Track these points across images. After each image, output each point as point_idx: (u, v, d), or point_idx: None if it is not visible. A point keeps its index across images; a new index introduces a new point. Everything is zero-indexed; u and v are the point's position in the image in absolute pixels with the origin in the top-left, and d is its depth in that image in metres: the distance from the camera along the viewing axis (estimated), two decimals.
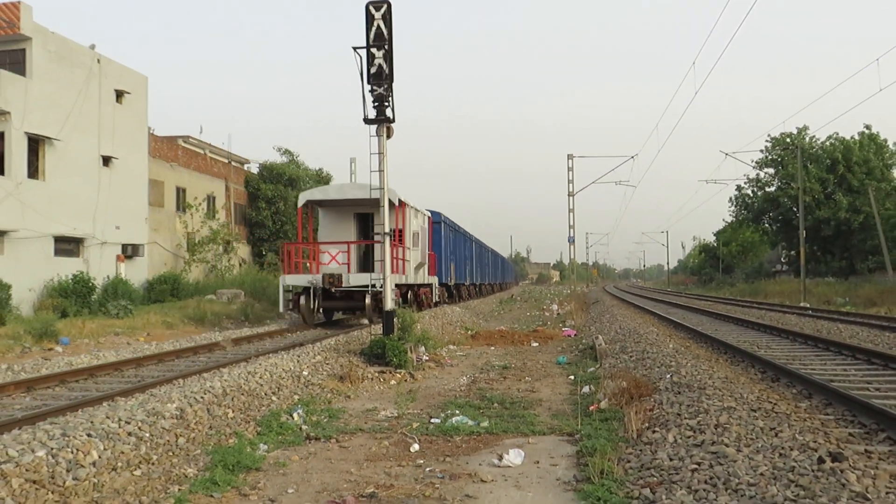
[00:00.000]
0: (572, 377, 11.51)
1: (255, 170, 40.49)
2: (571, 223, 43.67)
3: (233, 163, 38.63)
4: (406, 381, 11.56)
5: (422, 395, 10.18)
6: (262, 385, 9.52)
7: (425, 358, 13.41)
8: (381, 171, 13.30)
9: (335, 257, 19.79)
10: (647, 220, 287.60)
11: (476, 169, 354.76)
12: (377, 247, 18.82)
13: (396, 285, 19.10)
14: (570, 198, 43.29)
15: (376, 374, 11.72)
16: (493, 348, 16.25)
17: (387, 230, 13.39)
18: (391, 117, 13.10)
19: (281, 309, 19.13)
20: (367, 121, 12.88)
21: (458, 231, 31.94)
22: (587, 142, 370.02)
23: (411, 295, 21.32)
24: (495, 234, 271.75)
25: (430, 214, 24.83)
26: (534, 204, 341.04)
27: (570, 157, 42.99)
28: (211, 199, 34.23)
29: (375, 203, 19.22)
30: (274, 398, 9.25)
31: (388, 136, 12.98)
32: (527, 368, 12.80)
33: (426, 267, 23.34)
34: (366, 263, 20.67)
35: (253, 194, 37.82)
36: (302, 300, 18.63)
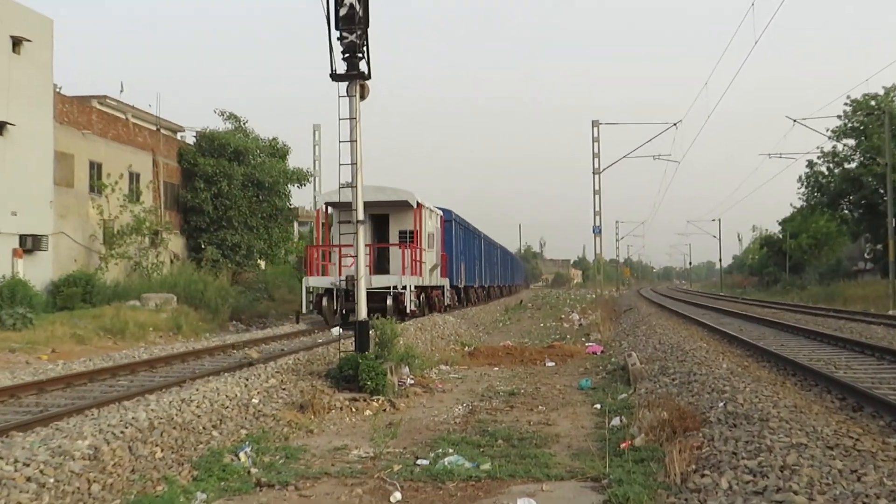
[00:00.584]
0: (598, 406, 11.61)
1: (191, 140, 40.43)
2: (597, 208, 43.70)
3: (163, 131, 38.54)
4: (385, 410, 11.64)
5: (405, 428, 10.25)
6: (199, 416, 9.57)
7: (410, 381, 13.52)
8: (353, 140, 13.30)
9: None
10: (694, 205, 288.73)
11: (477, 148, 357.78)
12: (392, 249, 25.42)
13: (415, 287, 24.74)
14: (596, 176, 43.35)
15: (347, 403, 11.74)
16: (496, 369, 16.54)
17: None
18: (366, 72, 13.40)
19: (303, 310, 24.33)
20: (335, 77, 12.95)
21: (468, 229, 37.24)
22: (616, 108, 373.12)
23: (423, 297, 26.25)
24: (500, 224, 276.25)
25: (441, 213, 30.15)
26: (550, 187, 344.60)
27: (595, 124, 43.03)
28: (134, 178, 34.14)
29: (392, 205, 25.44)
30: (215, 433, 9.30)
31: (363, 97, 13.24)
32: (540, 395, 12.89)
33: (439, 268, 28.72)
34: (381, 265, 25.67)
35: (188, 171, 37.77)
36: (324, 301, 23.79)
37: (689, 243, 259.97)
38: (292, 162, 43.58)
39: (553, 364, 17.10)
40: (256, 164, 39.15)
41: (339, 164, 13.68)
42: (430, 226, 28.13)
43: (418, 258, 25.83)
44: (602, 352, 19.22)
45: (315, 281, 24.22)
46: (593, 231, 43.47)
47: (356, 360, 12.63)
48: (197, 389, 10.78)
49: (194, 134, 39.97)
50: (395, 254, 26.03)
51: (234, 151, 38.38)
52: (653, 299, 50.85)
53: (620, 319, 31.79)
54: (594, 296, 56.24)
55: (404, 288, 24.36)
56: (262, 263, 41.73)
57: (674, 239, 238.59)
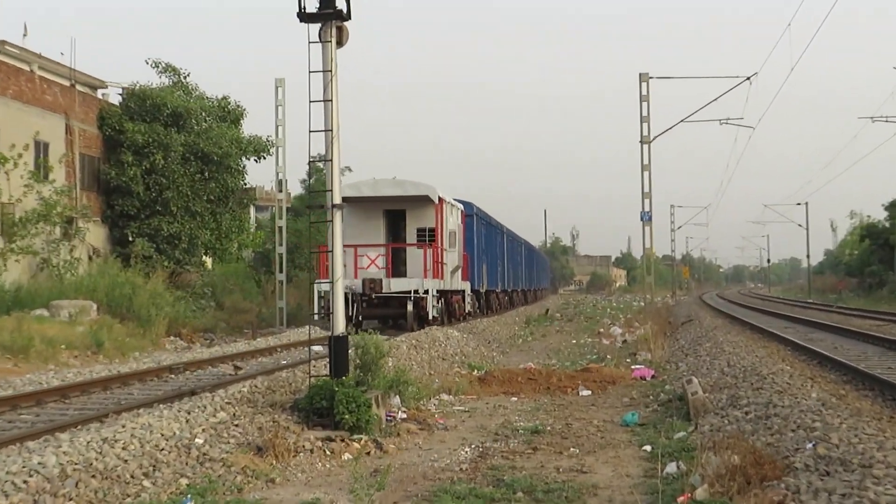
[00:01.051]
0: (648, 448, 11.65)
1: (116, 99, 40.45)
2: (646, 188, 43.66)
3: (79, 87, 38.57)
4: (369, 453, 11.65)
5: (396, 477, 10.24)
6: (126, 461, 9.61)
7: (402, 416, 13.60)
8: (327, 100, 13.31)
9: (374, 261, 29.01)
10: (773, 185, 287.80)
11: (494, 113, 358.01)
12: (409, 249, 29.59)
13: (437, 291, 29.12)
14: (645, 147, 43.36)
15: (319, 444, 11.74)
16: (515, 399, 16.74)
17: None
18: (344, 10, 13.12)
19: (315, 317, 28.18)
20: (303, 16, 13.03)
21: (490, 224, 42.59)
22: (670, 59, 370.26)
23: (443, 303, 30.29)
24: (519, 212, 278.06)
25: (462, 207, 34.45)
26: (583, 164, 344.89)
27: (643, 78, 43.01)
28: (41, 148, 34.16)
29: (410, 200, 29.43)
30: (147, 483, 9.32)
31: (341, 43, 13.21)
32: (572, 433, 12.96)
33: (460, 270, 32.73)
34: (397, 267, 29.56)
35: (112, 140, 37.83)
36: None
37: (766, 234, 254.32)
38: (248, 128, 43.39)
39: (589, 393, 17.27)
40: (201, 131, 39.25)
41: (310, 132, 13.65)
42: (452, 223, 31.90)
43: (440, 259, 29.71)
44: (653, 377, 19.42)
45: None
46: (641, 218, 43.23)
47: (331, 387, 12.60)
48: (123, 426, 10.80)
49: (120, 91, 40.06)
50: (413, 254, 29.57)
51: (172, 114, 38.45)
52: (719, 307, 50.90)
53: (677, 334, 31.86)
54: (642, 303, 56.19)
55: (426, 292, 28.17)
56: (209, 261, 41.91)
57: (747, 229, 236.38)
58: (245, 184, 41.69)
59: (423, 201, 29.61)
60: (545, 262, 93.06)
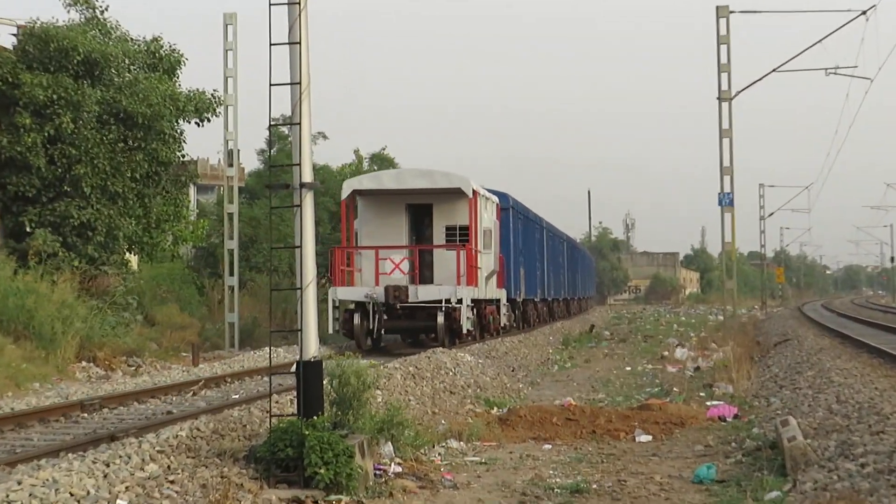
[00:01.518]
0: None
1: (8, 42, 40.29)
2: (726, 161, 43.60)
3: None
4: None
5: None
6: None
7: (396, 469, 13.77)
8: (294, 43, 13.29)
9: (399, 265, 32.84)
10: None
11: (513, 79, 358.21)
12: (437, 252, 33.35)
13: (472, 301, 32.52)
14: (724, 106, 43.32)
15: None
16: (548, 447, 16.80)
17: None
18: None
19: (330, 330, 32.05)
20: None
21: (527, 219, 46.68)
22: None
23: (475, 315, 33.58)
24: (554, 190, 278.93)
25: (497, 200, 38.51)
26: (642, 128, 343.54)
27: (721, 12, 43.03)
28: None
29: (438, 193, 33.55)
30: None
31: None
32: (626, 493, 13.07)
33: (496, 276, 36.56)
34: (422, 272, 33.34)
35: (3, 97, 37.66)
36: (356, 319, 31.80)
37: (888, 224, 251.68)
38: (187, 81, 42.85)
39: (648, 439, 17.34)
40: (124, 85, 39.05)
41: (270, 85, 13.73)
42: (486, 219, 35.46)
43: (474, 263, 33.14)
44: (735, 417, 19.49)
45: (345, 293, 32.20)
46: (720, 202, 43.11)
47: (299, 430, 12.61)
48: (19, 483, 10.78)
49: (15, 32, 39.87)
50: (442, 257, 33.03)
51: (84, 62, 38.21)
52: (826, 323, 50.52)
53: (768, 360, 31.84)
54: (721, 317, 55.94)
55: (459, 302, 31.50)
56: (134, 259, 41.68)
57: (863, 216, 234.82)
58: (183, 156, 40.92)
59: (453, 195, 33.23)
60: (591, 262, 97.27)
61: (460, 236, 33.32)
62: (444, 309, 31.26)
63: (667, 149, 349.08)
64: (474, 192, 32.96)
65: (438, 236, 33.70)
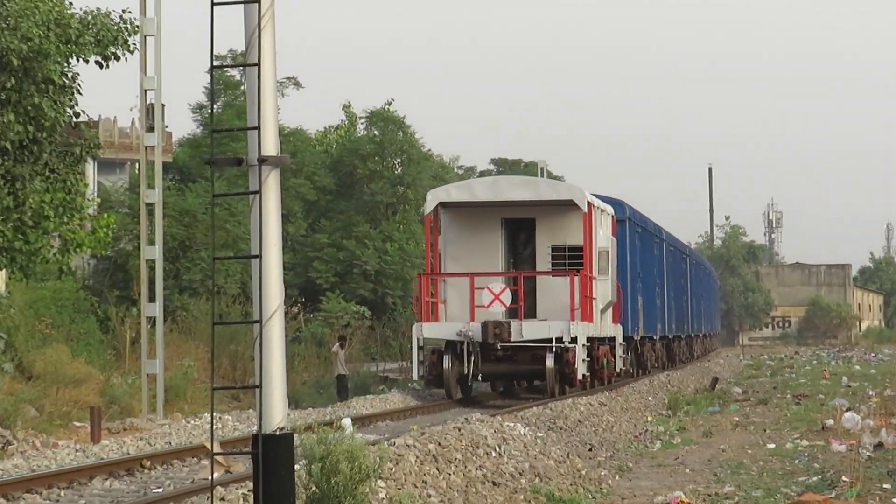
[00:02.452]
0: None
1: None
2: None
3: None
4: None
5: None
6: None
7: None
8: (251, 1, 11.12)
9: (499, 296, 30.05)
10: None
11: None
12: (541, 279, 31.29)
13: (587, 340, 30.76)
14: None
15: None
16: None
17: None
18: None
19: (415, 375, 31.09)
20: None
21: (646, 231, 42.93)
22: None
23: (577, 357, 30.84)
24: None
25: (612, 211, 35.62)
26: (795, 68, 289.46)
27: None
28: None
29: (543, 206, 31.02)
30: None
31: None
32: None
33: (611, 308, 34.37)
34: (526, 304, 31.31)
35: None
36: (446, 362, 29.72)
37: None
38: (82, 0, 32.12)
39: None
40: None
41: (213, 3, 11.46)
42: (602, 237, 32.96)
43: (589, 293, 31.15)
44: None
45: (433, 330, 30.74)
46: None
47: None
48: None
49: None
50: (547, 286, 31.23)
51: None
52: None
53: None
54: None
55: (573, 341, 29.42)
56: (1, 276, 31.88)
57: None
58: (77, 115, 30.34)
59: (562, 208, 31.16)
60: (714, 283, 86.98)
61: (570, 259, 31.14)
62: (554, 350, 29.37)
63: (828, 115, 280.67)
64: (589, 204, 30.88)
65: (542, 258, 31.54)
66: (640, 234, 40.66)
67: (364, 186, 61.69)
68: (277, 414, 10.59)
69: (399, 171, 63.57)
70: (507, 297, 30.27)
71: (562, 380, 30.14)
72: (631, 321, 37.61)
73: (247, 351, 28.29)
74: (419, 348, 30.11)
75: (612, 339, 34.63)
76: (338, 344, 37.84)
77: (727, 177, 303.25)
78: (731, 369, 62.19)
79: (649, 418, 32.35)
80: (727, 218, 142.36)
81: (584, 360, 29.77)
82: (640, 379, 40.26)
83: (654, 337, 44.46)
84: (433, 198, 31.25)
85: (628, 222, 37.82)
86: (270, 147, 10.04)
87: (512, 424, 22.36)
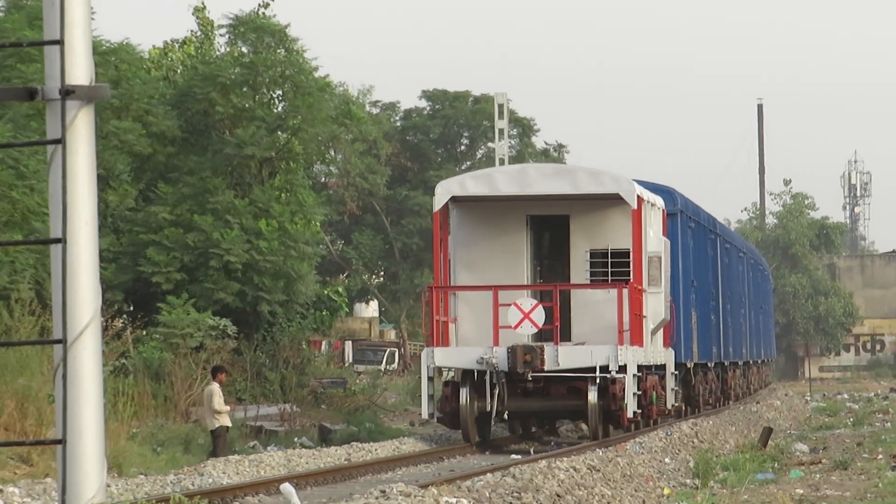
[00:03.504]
0: None
1: None
2: None
3: None
4: None
5: None
6: None
7: None
8: None
9: (530, 314, 25.31)
10: None
11: None
12: (576, 293, 26.88)
13: (638, 368, 26.12)
14: None
15: None
16: None
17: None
18: None
19: (424, 413, 26.29)
20: None
21: (700, 226, 35.39)
22: None
23: (627, 391, 25.61)
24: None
25: (662, 204, 29.90)
26: None
27: None
28: None
29: (580, 201, 26.58)
30: None
31: None
32: None
33: (663, 328, 29.10)
34: (555, 321, 26.16)
35: None
36: (463, 396, 25.09)
37: None
38: None
39: None
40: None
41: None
42: (653, 238, 27.79)
43: (640, 310, 26.31)
44: None
45: (446, 356, 25.71)
46: None
47: None
48: None
49: None
50: (585, 301, 26.39)
51: None
52: None
53: None
54: None
55: (621, 370, 24.85)
56: None
57: None
58: None
59: (604, 203, 26.53)
60: (768, 286, 63.63)
61: (614, 267, 26.19)
62: (597, 381, 24.75)
63: None
64: (639, 199, 25.86)
65: (578, 266, 26.52)
66: (692, 231, 33.91)
67: (225, 133, 40.98)
68: (91, 484, 6.79)
69: (280, 109, 42.77)
70: (539, 316, 25.34)
71: (606, 418, 25.57)
72: (684, 344, 31.86)
73: (43, 388, 17.68)
74: (429, 379, 25.51)
75: (662, 368, 29.23)
76: (214, 383, 26.10)
77: (784, 123, 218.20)
78: (791, 415, 43.49)
79: (666, 491, 22.17)
80: (787, 183, 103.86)
81: (634, 394, 25.20)
82: (684, 420, 32.04)
83: (709, 364, 37.17)
84: (444, 191, 26.40)
85: (680, 216, 31.90)
86: (81, 72, 6.18)
87: (453, 501, 16.55)
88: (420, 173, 73.66)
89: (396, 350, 72.56)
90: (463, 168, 70.99)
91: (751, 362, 50.63)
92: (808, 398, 58.28)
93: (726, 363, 41.12)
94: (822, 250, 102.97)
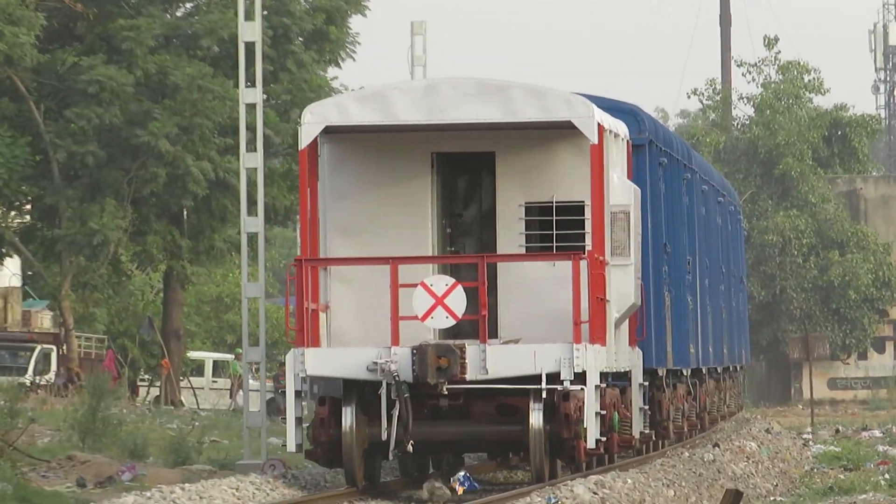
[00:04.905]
0: None
1: None
2: None
3: None
4: None
5: None
6: None
7: None
8: None
9: (444, 299, 18.16)
10: None
11: None
12: (506, 268, 19.12)
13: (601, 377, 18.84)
14: None
15: None
16: None
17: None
18: None
19: (290, 444, 18.51)
20: None
21: (672, 160, 26.03)
22: None
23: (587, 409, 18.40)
24: None
25: (626, 133, 22.01)
26: None
27: None
28: None
29: (507, 131, 19.24)
30: None
31: None
32: None
33: (628, 320, 21.41)
34: (479, 311, 18.59)
35: None
36: (346, 419, 18.00)
37: None
38: None
39: None
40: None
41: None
42: (617, 185, 19.70)
43: (602, 292, 18.50)
44: None
45: (324, 361, 18.13)
46: None
47: None
48: None
49: None
50: (520, 278, 18.71)
51: None
52: None
53: None
54: None
55: (577, 378, 17.53)
56: None
57: None
58: None
59: (548, 135, 18.76)
60: (741, 243, 44.19)
61: (562, 228, 18.49)
62: (542, 395, 17.01)
63: None
64: (600, 129, 18.00)
65: (508, 227, 18.75)
66: (664, 170, 24.42)
67: None
68: None
69: None
70: (457, 302, 17.67)
71: (554, 451, 17.93)
72: (655, 342, 22.75)
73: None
74: (296, 394, 17.87)
75: (628, 376, 21.34)
76: None
77: None
78: (777, 468, 27.72)
79: None
80: (771, 45, 71.15)
81: (597, 414, 17.69)
82: (650, 456, 23.84)
83: (684, 371, 26.69)
84: (315, 118, 18.55)
85: (648, 149, 23.03)
86: None
87: None
88: (100, 23, 46.96)
89: (54, 349, 49.84)
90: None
91: (730, 369, 35.99)
92: (809, 436, 39.50)
93: (703, 370, 30.02)
94: (834, 166, 70.66)
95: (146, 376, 57.03)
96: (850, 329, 66.19)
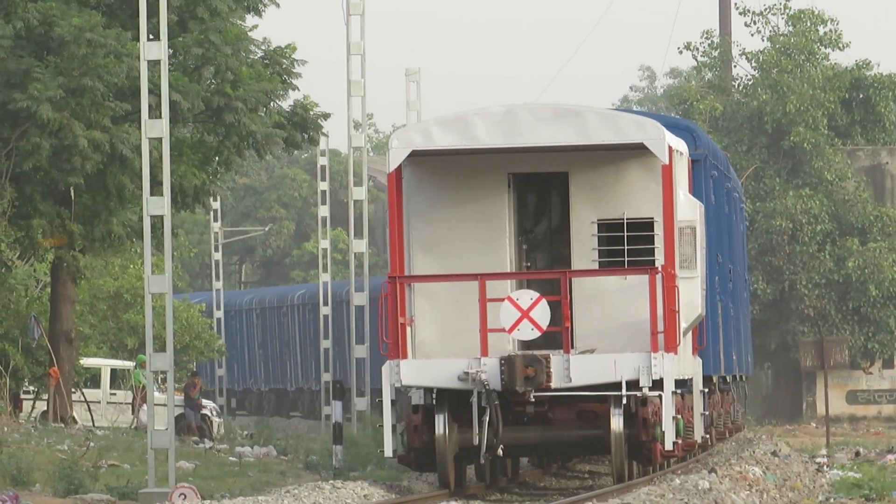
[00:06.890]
0: None
1: None
2: None
3: None
4: None
5: None
6: None
7: None
8: None
9: (529, 312, 20.58)
10: None
11: None
12: (579, 282, 21.21)
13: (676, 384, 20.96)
14: None
15: None
16: None
17: None
18: None
19: (387, 450, 20.85)
20: None
21: (720, 174, 28.65)
22: None
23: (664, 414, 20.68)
24: None
25: (686, 150, 24.35)
26: None
27: None
28: None
29: (579, 153, 21.58)
30: None
31: None
32: None
33: (692, 330, 23.86)
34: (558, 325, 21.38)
35: None
36: (439, 425, 20.19)
37: None
38: None
39: None
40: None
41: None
42: (683, 202, 21.94)
43: (675, 303, 20.50)
44: None
45: (417, 372, 20.33)
46: None
47: None
48: None
49: None
50: (590, 291, 20.82)
51: None
52: None
53: None
54: None
55: (655, 385, 19.77)
56: None
57: None
58: None
59: (618, 156, 21.08)
60: (744, 230, 40.35)
61: (633, 244, 20.71)
62: (622, 402, 19.50)
63: None
64: (670, 151, 20.31)
65: (582, 243, 20.85)
66: (714, 183, 27.12)
67: None
68: None
69: None
70: (542, 315, 19.84)
71: (633, 453, 20.23)
72: (712, 349, 25.52)
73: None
74: (392, 403, 19.97)
75: (690, 383, 23.43)
76: None
77: None
78: (786, 499, 22.08)
79: None
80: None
81: (673, 418, 19.79)
82: (636, 483, 21.54)
83: (727, 378, 29.97)
84: (402, 143, 20.73)
85: (703, 164, 25.62)
86: None
87: None
88: None
89: None
90: None
91: (738, 378, 34.28)
92: (824, 459, 36.13)
93: (728, 377, 32.12)
94: (855, 136, 64.63)
95: (31, 388, 53.37)
96: (873, 332, 61.10)
